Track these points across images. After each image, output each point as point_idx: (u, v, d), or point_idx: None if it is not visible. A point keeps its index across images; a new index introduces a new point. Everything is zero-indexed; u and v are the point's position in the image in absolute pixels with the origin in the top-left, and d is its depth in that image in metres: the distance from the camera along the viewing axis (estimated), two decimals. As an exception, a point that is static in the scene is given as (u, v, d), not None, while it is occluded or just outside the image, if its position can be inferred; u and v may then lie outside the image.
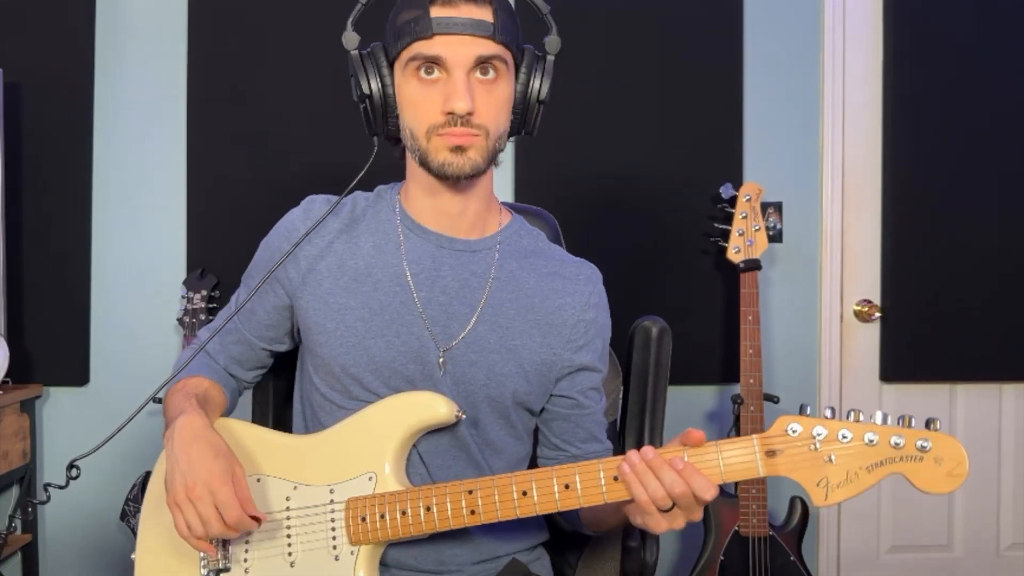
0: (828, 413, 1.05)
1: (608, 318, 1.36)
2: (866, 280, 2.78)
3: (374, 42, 1.24)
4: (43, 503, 1.21)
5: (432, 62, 1.17)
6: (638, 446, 1.48)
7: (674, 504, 1.05)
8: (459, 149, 1.18)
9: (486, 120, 1.19)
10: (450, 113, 1.17)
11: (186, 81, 2.57)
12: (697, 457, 1.07)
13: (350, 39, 1.22)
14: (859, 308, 2.77)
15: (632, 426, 1.51)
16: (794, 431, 1.05)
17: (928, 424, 1.02)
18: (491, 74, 1.19)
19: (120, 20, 2.57)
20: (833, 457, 1.03)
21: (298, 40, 2.57)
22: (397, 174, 1.35)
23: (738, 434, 2.38)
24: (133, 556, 1.31)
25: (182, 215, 2.57)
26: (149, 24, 2.58)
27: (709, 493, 1.04)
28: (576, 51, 2.64)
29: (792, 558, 2.38)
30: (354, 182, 1.26)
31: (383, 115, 1.24)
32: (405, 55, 1.19)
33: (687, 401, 2.70)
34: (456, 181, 1.23)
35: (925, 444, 1.01)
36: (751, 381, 2.36)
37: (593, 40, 2.64)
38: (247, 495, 1.16)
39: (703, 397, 2.74)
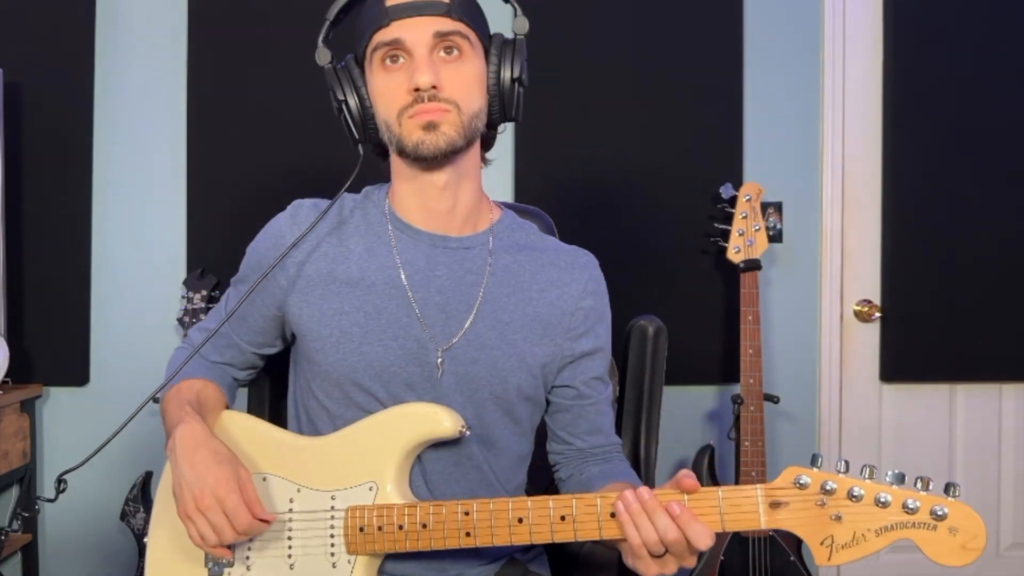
0: (841, 467, 0.99)
1: (607, 304, 1.35)
2: (866, 280, 2.78)
3: (348, 54, 1.26)
4: (35, 514, 1.21)
5: (394, 49, 1.19)
6: (634, 445, 1.48)
7: (667, 550, 1.03)
8: (431, 126, 1.18)
9: (454, 94, 1.19)
10: (416, 90, 1.17)
11: (186, 81, 2.57)
12: (697, 503, 1.02)
13: (321, 55, 1.25)
14: (859, 308, 2.77)
15: (628, 425, 1.51)
16: (803, 484, 0.99)
17: (947, 489, 0.96)
18: (454, 53, 1.20)
19: (120, 20, 2.58)
20: (841, 516, 0.98)
21: (298, 40, 2.56)
22: (387, 177, 1.35)
23: (738, 434, 2.38)
24: (146, 540, 1.32)
25: (182, 215, 2.58)
26: (149, 24, 2.58)
27: (704, 542, 1.00)
28: (576, 51, 2.65)
29: (792, 558, 2.38)
30: (339, 193, 1.28)
31: (362, 120, 1.25)
32: (368, 49, 1.21)
33: (687, 401, 2.70)
34: (434, 161, 1.21)
35: (940, 511, 0.95)
36: (751, 381, 2.35)
37: (593, 40, 2.64)
38: (254, 497, 1.15)
39: (703, 397, 2.73)
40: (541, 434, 1.39)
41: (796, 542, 2.40)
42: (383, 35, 1.19)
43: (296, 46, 2.56)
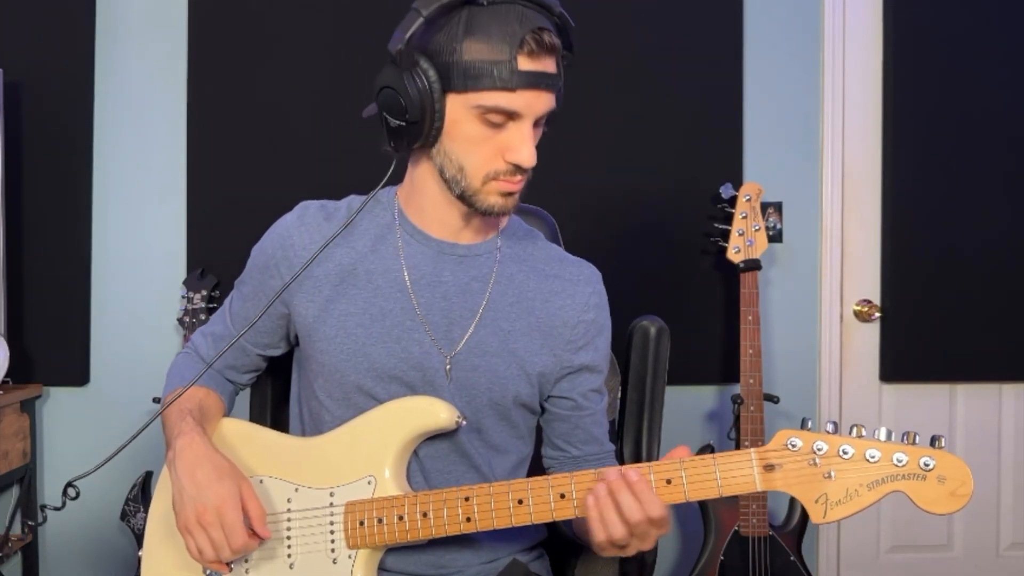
0: (830, 428, 1.02)
1: (608, 318, 1.36)
2: (866, 280, 2.78)
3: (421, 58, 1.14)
4: (40, 524, 1.22)
5: (507, 114, 1.13)
6: (636, 445, 1.49)
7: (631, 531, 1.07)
8: (510, 194, 1.19)
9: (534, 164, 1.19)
10: (515, 164, 1.15)
11: (186, 81, 2.57)
12: (693, 469, 1.06)
13: (405, 59, 1.12)
14: (859, 308, 2.77)
15: (630, 426, 1.51)
16: (794, 445, 1.02)
17: (933, 442, 1.00)
18: (543, 120, 1.19)
19: (120, 20, 2.58)
20: (833, 473, 1.01)
21: (299, 39, 2.58)
22: (394, 174, 1.34)
23: (738, 434, 2.38)
24: (140, 553, 1.32)
25: (182, 215, 2.57)
26: (149, 24, 2.58)
27: (655, 511, 1.05)
28: (576, 50, 2.64)
29: (792, 558, 2.38)
30: (368, 197, 1.25)
31: (428, 131, 1.16)
32: (476, 98, 1.12)
33: (687, 401, 2.70)
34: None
35: (929, 462, 0.98)
36: (751, 381, 2.36)
37: (593, 39, 2.63)
38: (259, 511, 1.17)
39: (703, 397, 2.73)
40: (539, 437, 1.40)
41: (796, 541, 2.41)
42: (505, 100, 1.12)
43: (297, 45, 2.57)
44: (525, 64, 1.11)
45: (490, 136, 1.15)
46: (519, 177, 1.18)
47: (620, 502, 1.05)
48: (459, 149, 1.17)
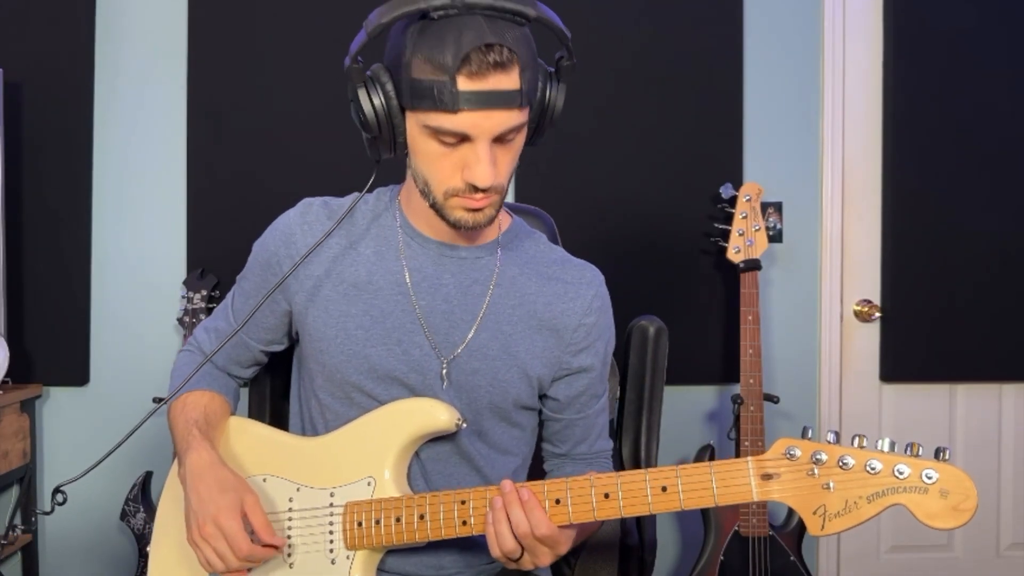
0: (831, 437, 1.00)
1: (610, 320, 1.36)
2: (866, 280, 2.78)
3: (375, 63, 1.16)
4: (31, 530, 1.23)
5: (454, 135, 1.11)
6: (635, 446, 1.49)
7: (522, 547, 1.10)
8: (476, 209, 1.16)
9: (502, 180, 1.15)
10: (470, 184, 1.13)
11: (186, 81, 2.57)
12: (690, 478, 1.04)
13: (355, 74, 1.13)
14: (859, 308, 2.77)
15: (629, 426, 1.51)
16: (793, 454, 1.00)
17: (937, 454, 0.96)
18: (510, 136, 1.13)
19: (120, 20, 2.57)
20: (832, 484, 0.98)
21: (299, 39, 2.57)
22: (398, 173, 1.34)
23: (738, 434, 2.38)
24: (148, 549, 1.34)
25: (182, 215, 2.57)
26: (149, 24, 2.58)
27: (540, 530, 1.08)
28: (576, 50, 2.64)
29: (792, 558, 2.38)
30: (351, 205, 1.26)
31: (391, 146, 1.18)
32: (423, 118, 1.11)
33: (687, 401, 2.70)
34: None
35: (931, 475, 0.95)
36: (751, 381, 2.36)
37: (593, 39, 2.64)
38: (262, 523, 1.17)
39: (703, 397, 2.73)
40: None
41: (796, 542, 2.41)
42: (447, 121, 1.09)
43: (297, 44, 2.57)
44: (467, 84, 1.07)
45: (447, 153, 1.13)
46: (480, 195, 1.13)
47: (511, 515, 1.08)
48: (421, 164, 1.16)
